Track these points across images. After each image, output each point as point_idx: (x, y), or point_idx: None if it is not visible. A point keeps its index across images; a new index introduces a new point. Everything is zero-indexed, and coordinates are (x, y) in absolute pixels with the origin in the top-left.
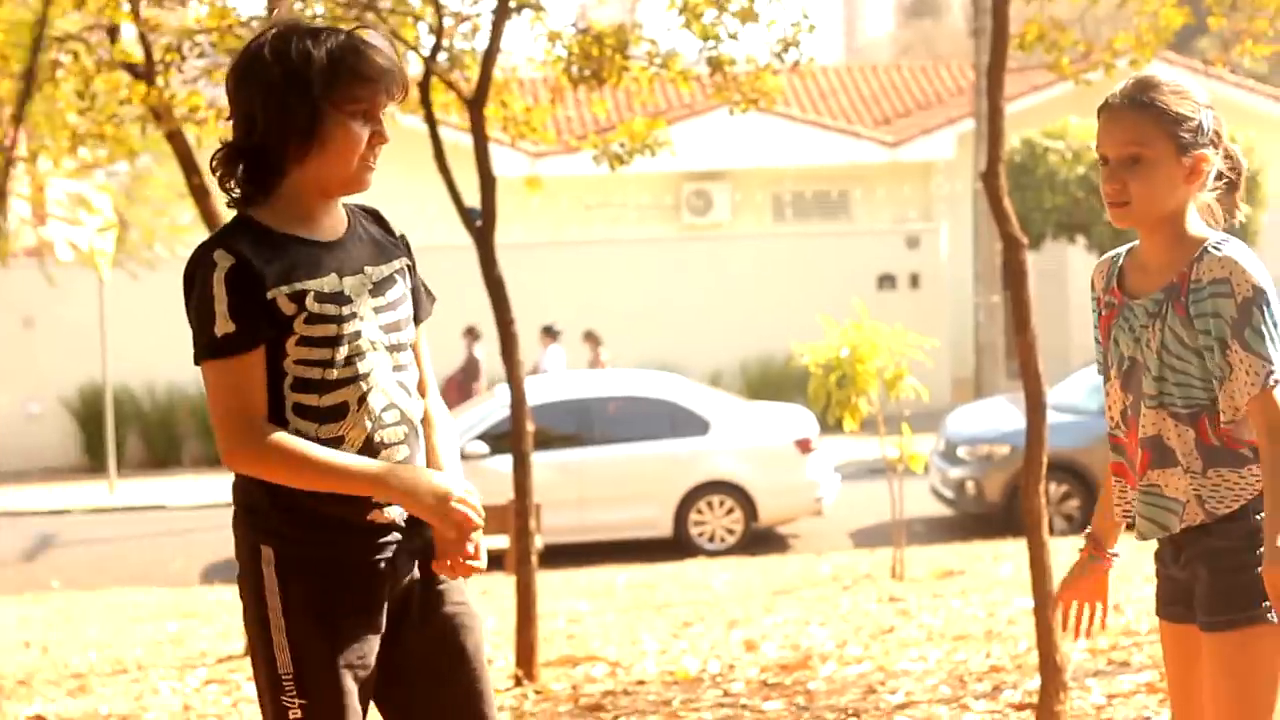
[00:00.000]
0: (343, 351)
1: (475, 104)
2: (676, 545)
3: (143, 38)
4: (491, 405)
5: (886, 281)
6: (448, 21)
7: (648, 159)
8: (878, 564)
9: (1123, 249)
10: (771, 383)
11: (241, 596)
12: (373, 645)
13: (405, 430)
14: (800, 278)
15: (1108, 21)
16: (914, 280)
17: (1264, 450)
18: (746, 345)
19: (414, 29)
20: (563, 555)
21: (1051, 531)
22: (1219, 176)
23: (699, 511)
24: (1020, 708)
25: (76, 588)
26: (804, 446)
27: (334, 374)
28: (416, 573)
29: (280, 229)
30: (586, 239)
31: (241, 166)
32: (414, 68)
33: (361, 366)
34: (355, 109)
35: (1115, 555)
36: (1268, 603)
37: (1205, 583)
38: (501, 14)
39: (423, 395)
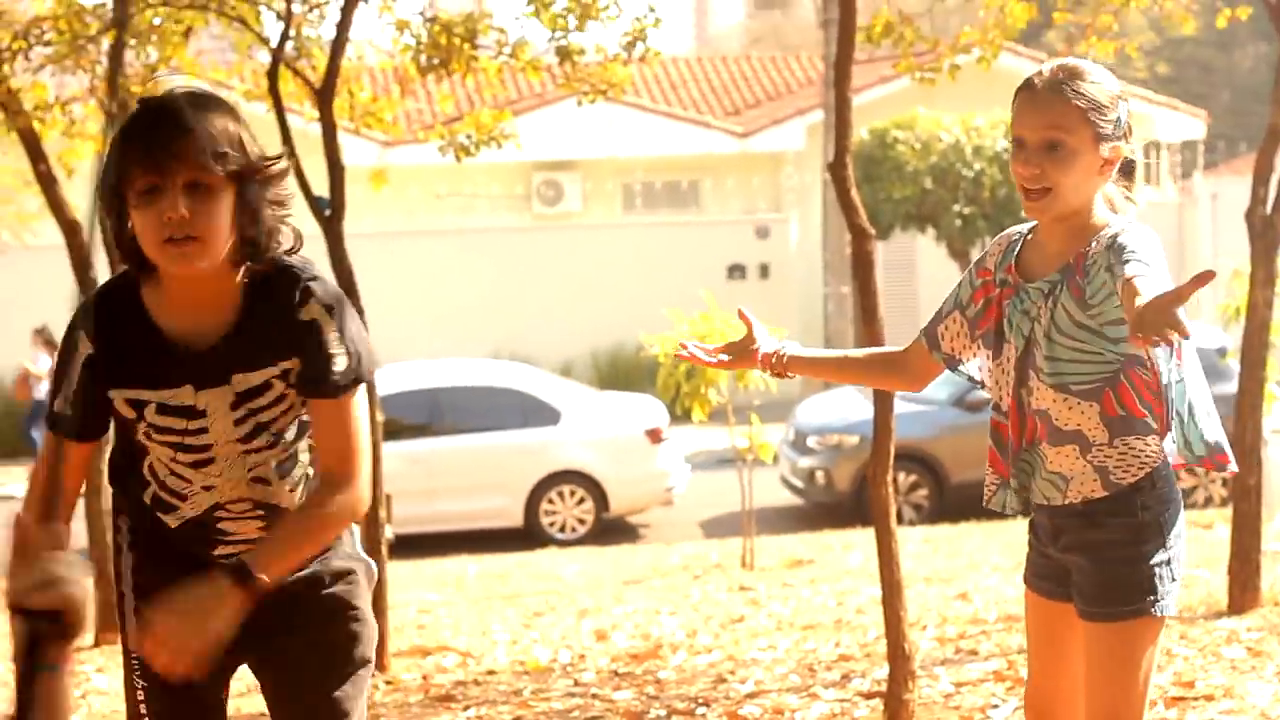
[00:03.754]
0: (189, 456)
1: (324, 93)
2: (527, 535)
3: None
4: None
5: (736, 271)
6: (296, 9)
7: (497, 150)
8: (728, 553)
9: (1023, 228)
10: (622, 373)
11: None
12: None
13: (262, 514)
14: (651, 267)
15: (956, 13)
16: (763, 270)
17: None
18: (597, 335)
19: (260, 19)
20: (413, 546)
21: (900, 521)
22: (1124, 169)
23: (550, 501)
24: (869, 696)
25: None
26: (654, 436)
27: (178, 469)
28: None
29: (155, 316)
30: (437, 229)
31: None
32: (262, 56)
33: (210, 470)
34: (137, 187)
35: (769, 354)
36: (1152, 596)
37: (1087, 573)
38: (350, 2)
39: (325, 476)
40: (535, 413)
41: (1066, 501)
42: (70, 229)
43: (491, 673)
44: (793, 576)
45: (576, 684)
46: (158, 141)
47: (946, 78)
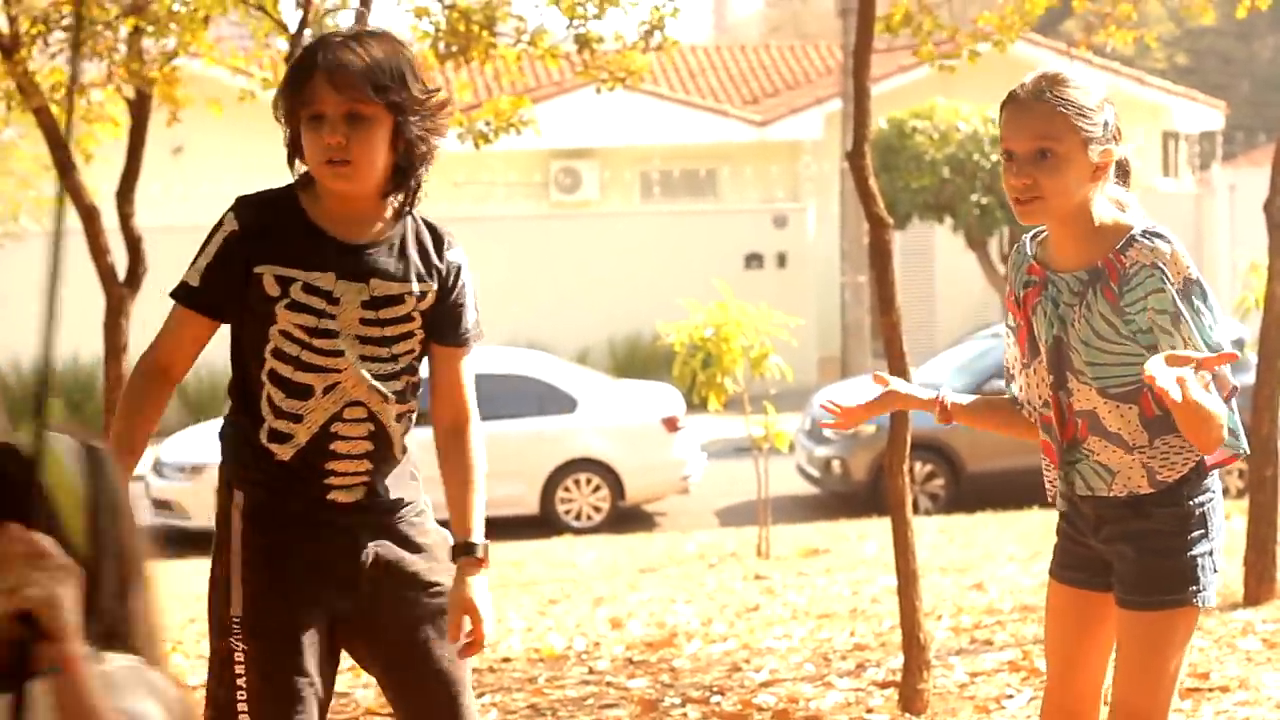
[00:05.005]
0: (319, 342)
1: None
2: (543, 523)
3: (8, 10)
4: None
5: (753, 261)
6: None
7: (515, 136)
8: (743, 542)
9: (1026, 238)
10: (639, 361)
11: (217, 532)
12: (332, 601)
13: (371, 430)
14: (668, 256)
15: (975, 2)
16: (781, 260)
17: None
18: (614, 323)
19: (279, 5)
20: None
21: (916, 510)
22: (1119, 170)
23: (566, 489)
24: (884, 685)
25: None
26: (671, 425)
27: (307, 357)
28: (390, 551)
29: (311, 216)
30: (454, 216)
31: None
32: (280, 43)
33: (335, 362)
34: (305, 113)
35: (939, 408)
36: (1194, 587)
37: (1130, 561)
38: None
39: (453, 424)
40: (551, 400)
41: (1111, 494)
42: (88, 214)
43: (507, 660)
44: (808, 565)
45: (591, 672)
46: (323, 73)
47: (966, 65)
